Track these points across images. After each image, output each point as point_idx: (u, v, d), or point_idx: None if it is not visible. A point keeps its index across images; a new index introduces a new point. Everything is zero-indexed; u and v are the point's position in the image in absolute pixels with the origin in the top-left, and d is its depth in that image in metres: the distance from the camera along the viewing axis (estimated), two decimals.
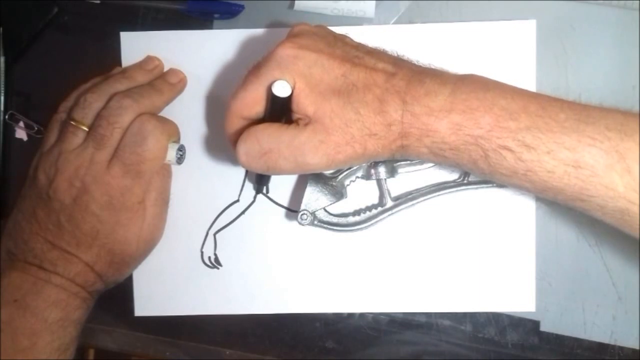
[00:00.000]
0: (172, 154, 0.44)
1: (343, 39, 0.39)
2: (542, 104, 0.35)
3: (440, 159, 0.37)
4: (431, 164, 0.46)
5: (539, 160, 0.34)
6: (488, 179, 0.38)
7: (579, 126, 0.34)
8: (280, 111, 0.39)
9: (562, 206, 0.37)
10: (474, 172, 0.37)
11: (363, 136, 0.36)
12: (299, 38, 0.38)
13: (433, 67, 0.39)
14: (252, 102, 0.39)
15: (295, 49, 0.37)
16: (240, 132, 0.39)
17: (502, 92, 0.36)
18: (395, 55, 0.40)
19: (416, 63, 0.39)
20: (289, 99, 0.37)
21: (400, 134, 0.36)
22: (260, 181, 0.45)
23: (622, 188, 0.33)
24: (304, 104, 0.37)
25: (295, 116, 0.38)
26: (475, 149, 0.35)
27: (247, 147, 0.38)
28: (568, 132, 0.34)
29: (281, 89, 0.37)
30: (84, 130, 0.42)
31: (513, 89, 0.36)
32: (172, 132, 0.45)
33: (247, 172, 0.48)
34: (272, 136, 0.38)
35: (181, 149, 0.45)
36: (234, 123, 0.40)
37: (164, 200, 0.46)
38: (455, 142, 0.35)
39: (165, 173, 0.45)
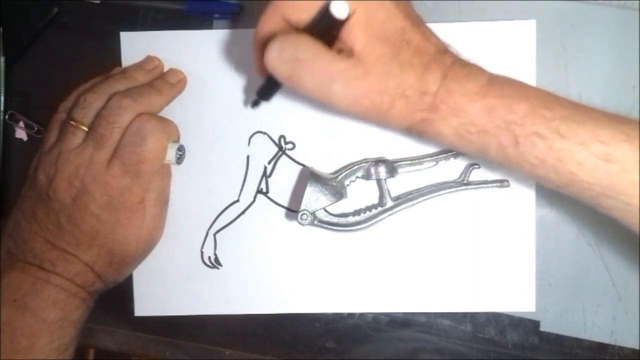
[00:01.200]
0: (171, 153, 0.44)
1: (409, 2, 0.38)
2: (574, 103, 0.35)
3: (464, 143, 0.36)
4: (431, 164, 0.46)
5: (571, 150, 0.34)
6: (510, 168, 0.37)
7: (613, 123, 0.34)
8: (325, 32, 0.36)
9: (583, 204, 0.36)
10: (498, 159, 0.36)
11: (396, 93, 0.36)
12: None
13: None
14: (303, 6, 0.36)
15: None
16: (272, 34, 0.37)
17: (536, 88, 0.36)
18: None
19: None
20: (340, 24, 0.35)
21: (429, 106, 0.36)
22: (264, 92, 0.41)
23: None
24: (356, 37, 0.36)
25: (338, 45, 0.37)
26: (506, 134, 0.35)
27: (282, 47, 0.35)
28: (603, 126, 0.34)
29: (340, 10, 0.35)
30: (84, 130, 0.42)
31: (545, 90, 0.37)
32: (171, 132, 0.45)
33: (247, 172, 0.48)
34: (311, 50, 0.35)
35: (180, 149, 0.45)
36: (272, 21, 0.37)
37: (163, 200, 0.46)
38: (485, 125, 0.35)
39: (164, 173, 0.45)
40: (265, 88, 0.41)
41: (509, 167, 0.37)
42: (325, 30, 0.36)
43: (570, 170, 0.34)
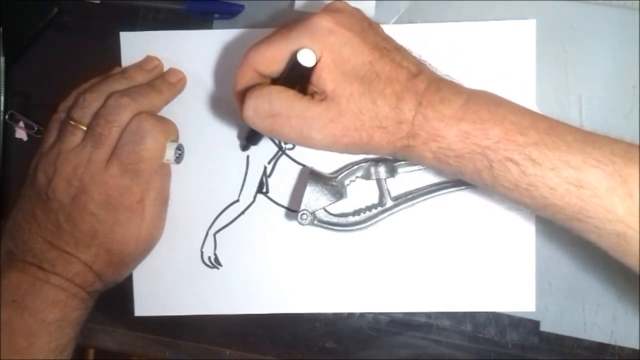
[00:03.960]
0: (170, 153, 0.44)
1: (376, 28, 0.39)
2: (551, 124, 0.36)
3: (443, 166, 0.37)
4: None
5: (543, 176, 0.34)
6: (486, 190, 0.38)
7: (585, 148, 0.34)
8: (297, 79, 0.38)
9: (559, 225, 0.37)
10: (476, 182, 0.37)
11: (372, 127, 0.37)
12: (337, 14, 0.38)
13: (450, 78, 0.39)
14: (273, 59, 0.38)
15: (332, 22, 0.37)
16: (247, 88, 0.39)
17: (512, 108, 0.36)
18: (418, 57, 0.40)
19: (434, 70, 0.39)
20: (310, 70, 0.37)
21: (408, 134, 0.36)
22: (251, 139, 0.45)
23: (622, 212, 0.33)
24: (325, 80, 0.37)
25: (311, 89, 0.38)
26: (481, 158, 0.35)
27: (257, 104, 0.38)
28: (574, 152, 0.34)
29: (307, 58, 0.36)
30: (83, 129, 0.42)
31: (523, 108, 0.37)
32: (170, 131, 0.44)
33: (247, 172, 0.48)
34: (285, 101, 0.37)
35: (180, 148, 0.45)
36: (246, 75, 0.39)
37: (163, 200, 0.46)
38: (461, 150, 0.36)
39: (164, 172, 0.45)
40: (251, 135, 0.45)
41: (486, 189, 0.37)
42: (298, 77, 0.38)
43: (543, 195, 0.35)
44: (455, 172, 0.37)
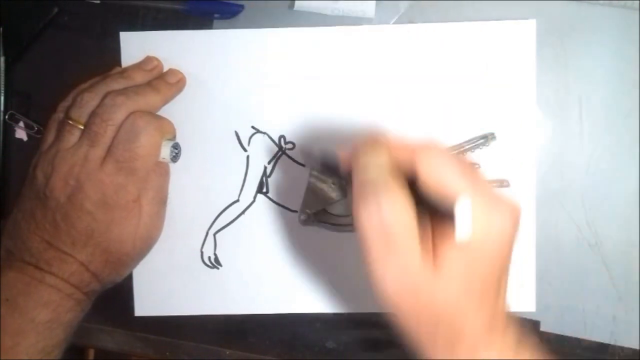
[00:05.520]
0: (166, 151, 0.44)
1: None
2: None
3: None
4: None
5: None
6: None
7: None
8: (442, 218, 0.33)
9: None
10: None
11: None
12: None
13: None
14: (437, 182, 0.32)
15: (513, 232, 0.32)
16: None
17: None
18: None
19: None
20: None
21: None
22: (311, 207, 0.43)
23: None
24: (450, 259, 0.32)
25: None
26: None
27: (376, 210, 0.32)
28: None
29: (464, 234, 0.31)
30: (80, 128, 0.42)
31: None
32: (166, 129, 0.44)
33: (247, 172, 0.48)
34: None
35: (176, 146, 0.45)
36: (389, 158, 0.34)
37: (161, 199, 0.46)
38: None
39: (162, 172, 0.45)
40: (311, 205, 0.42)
41: None
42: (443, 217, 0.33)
43: None
44: None
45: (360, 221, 0.32)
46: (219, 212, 0.48)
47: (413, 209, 0.32)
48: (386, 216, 0.31)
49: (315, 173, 0.44)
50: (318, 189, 0.44)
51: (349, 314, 0.48)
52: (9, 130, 0.50)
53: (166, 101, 0.46)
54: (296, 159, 0.47)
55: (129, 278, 0.47)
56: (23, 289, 0.41)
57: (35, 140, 0.49)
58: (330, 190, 0.44)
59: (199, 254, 0.48)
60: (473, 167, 0.34)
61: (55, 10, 0.50)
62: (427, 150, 0.33)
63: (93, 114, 0.42)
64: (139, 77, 0.45)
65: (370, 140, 0.35)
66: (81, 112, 0.43)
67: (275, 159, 0.48)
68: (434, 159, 0.32)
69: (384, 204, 0.31)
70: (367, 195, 0.32)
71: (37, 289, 0.41)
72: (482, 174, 0.34)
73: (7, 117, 0.50)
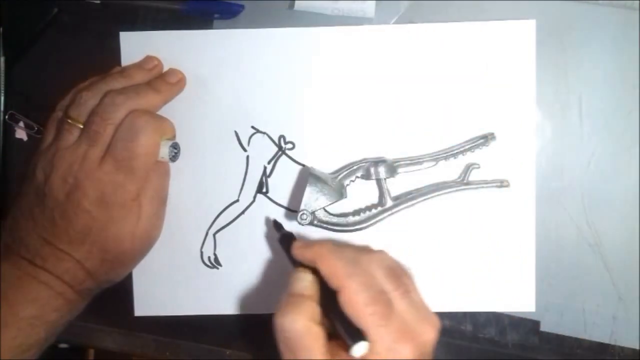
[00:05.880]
0: (165, 150, 0.44)
1: None
2: None
3: None
4: (431, 164, 0.46)
5: None
6: None
7: None
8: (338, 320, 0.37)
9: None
10: None
11: None
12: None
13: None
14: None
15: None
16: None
17: None
18: None
19: None
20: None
21: None
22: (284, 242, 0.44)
23: None
24: None
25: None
26: None
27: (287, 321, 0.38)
28: None
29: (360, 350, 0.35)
30: (79, 127, 0.42)
31: None
32: (165, 128, 0.44)
33: (247, 172, 0.48)
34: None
35: (175, 146, 0.45)
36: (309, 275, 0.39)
37: (160, 199, 0.46)
38: None
39: (162, 172, 0.45)
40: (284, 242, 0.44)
41: None
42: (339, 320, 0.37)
43: None
44: None
45: (275, 326, 0.38)
46: (219, 212, 0.48)
47: (318, 323, 0.37)
48: (296, 327, 0.37)
49: (315, 173, 0.44)
50: (318, 189, 0.44)
51: None
52: (9, 130, 0.50)
53: (166, 101, 0.46)
54: (296, 159, 0.47)
55: (129, 278, 0.47)
56: (14, 282, 0.41)
57: (35, 140, 0.50)
58: (330, 190, 0.44)
59: (199, 254, 0.48)
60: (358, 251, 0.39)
61: (55, 10, 0.50)
62: (320, 246, 0.38)
63: (92, 113, 0.42)
64: (139, 77, 0.45)
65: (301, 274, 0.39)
66: (80, 111, 0.43)
67: (275, 159, 0.48)
68: (325, 253, 0.38)
69: (297, 317, 0.38)
70: (287, 306, 0.38)
71: (27, 284, 0.41)
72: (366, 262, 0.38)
73: (7, 117, 0.50)
